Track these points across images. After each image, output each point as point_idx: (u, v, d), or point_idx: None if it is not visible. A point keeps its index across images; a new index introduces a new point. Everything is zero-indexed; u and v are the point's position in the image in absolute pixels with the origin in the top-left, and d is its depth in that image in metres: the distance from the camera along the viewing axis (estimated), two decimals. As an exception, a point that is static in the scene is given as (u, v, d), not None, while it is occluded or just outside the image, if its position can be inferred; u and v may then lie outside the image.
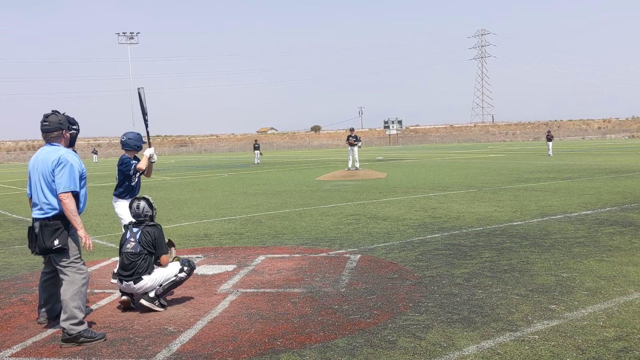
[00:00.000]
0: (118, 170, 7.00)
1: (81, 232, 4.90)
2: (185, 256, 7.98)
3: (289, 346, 4.51)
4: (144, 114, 6.97)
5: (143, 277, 5.56)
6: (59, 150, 4.95)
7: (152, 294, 5.57)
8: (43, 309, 5.33)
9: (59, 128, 5.01)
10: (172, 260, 5.82)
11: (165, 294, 5.70)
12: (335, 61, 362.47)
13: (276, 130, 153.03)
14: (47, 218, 4.85)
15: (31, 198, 5.05)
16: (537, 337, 4.49)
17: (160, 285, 5.63)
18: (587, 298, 5.44)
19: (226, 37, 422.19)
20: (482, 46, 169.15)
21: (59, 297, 5.12)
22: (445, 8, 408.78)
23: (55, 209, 4.86)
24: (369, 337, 4.62)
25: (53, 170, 4.86)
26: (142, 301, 5.53)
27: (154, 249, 5.64)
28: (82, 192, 5.03)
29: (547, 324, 4.76)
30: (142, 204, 5.85)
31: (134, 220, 5.87)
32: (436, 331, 4.70)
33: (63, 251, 4.86)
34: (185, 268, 5.75)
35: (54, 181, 4.86)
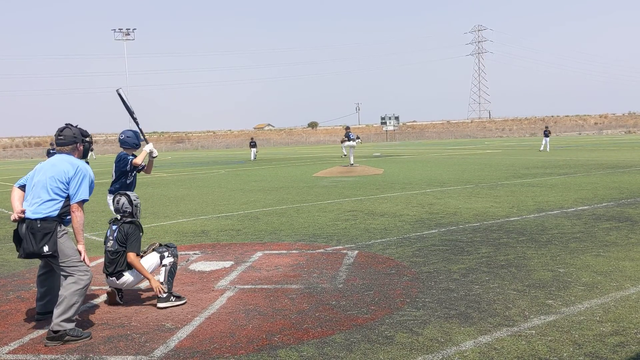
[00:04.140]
0: (115, 166, 7.00)
1: (81, 247, 4.96)
2: (183, 253, 7.98)
3: (286, 342, 4.51)
4: (131, 112, 6.95)
5: (124, 273, 5.60)
6: (76, 161, 5.08)
7: (162, 295, 5.55)
8: (41, 303, 5.34)
9: (74, 141, 5.17)
10: (149, 251, 5.82)
11: (172, 285, 5.66)
12: (332, 57, 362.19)
13: (273, 126, 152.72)
14: (36, 219, 4.82)
15: (22, 189, 5.08)
16: (534, 332, 4.50)
17: (161, 282, 5.60)
18: (584, 293, 5.46)
19: (223, 33, 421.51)
20: (479, 42, 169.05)
21: (56, 291, 5.16)
22: (441, 4, 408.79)
23: (49, 213, 4.86)
24: (366, 333, 4.63)
25: (69, 180, 4.93)
26: (159, 305, 5.52)
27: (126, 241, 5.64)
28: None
29: (544, 319, 4.77)
30: (123, 199, 5.85)
31: (116, 217, 5.89)
32: (433, 326, 4.71)
33: (54, 257, 4.88)
34: (167, 254, 5.70)
35: (59, 188, 4.91)
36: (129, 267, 5.61)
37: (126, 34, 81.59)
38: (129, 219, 5.77)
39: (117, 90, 6.90)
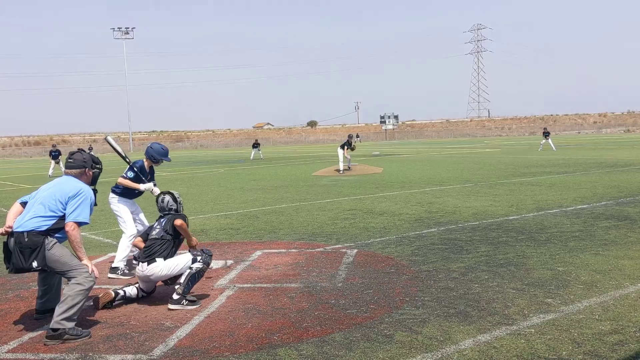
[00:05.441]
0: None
1: (85, 262, 4.97)
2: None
3: (286, 341, 4.52)
4: (124, 158, 7.11)
5: (157, 259, 5.64)
6: (80, 184, 5.13)
7: (175, 296, 5.51)
8: (41, 301, 5.34)
9: (82, 166, 5.25)
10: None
11: (189, 290, 5.62)
12: (332, 56, 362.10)
13: (272, 125, 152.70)
14: (23, 232, 4.80)
15: (23, 206, 5.10)
16: (533, 330, 4.51)
17: (180, 283, 5.58)
18: (583, 292, 5.46)
19: (222, 32, 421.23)
20: (478, 41, 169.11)
21: (56, 290, 5.19)
22: (441, 3, 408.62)
23: (36, 227, 4.85)
24: (365, 332, 4.64)
25: (68, 199, 4.94)
26: (170, 307, 5.48)
27: (173, 232, 5.77)
28: None
29: (543, 318, 4.78)
30: (167, 198, 6.07)
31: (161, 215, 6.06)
32: (433, 325, 4.72)
33: (44, 271, 4.89)
34: (199, 258, 5.69)
35: (56, 206, 4.92)
36: (163, 256, 5.66)
37: (125, 33, 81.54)
38: (177, 214, 5.96)
39: (105, 138, 7.17)
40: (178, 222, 5.75)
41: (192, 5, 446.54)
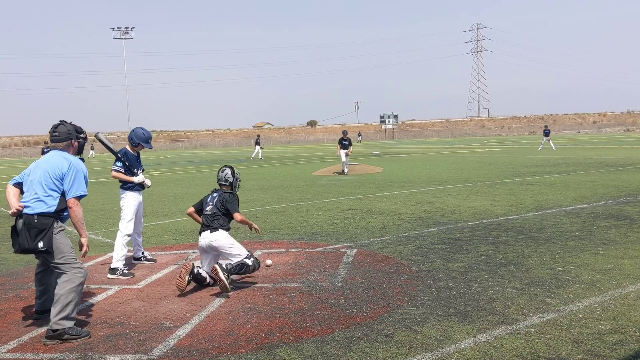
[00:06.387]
0: None
1: (84, 240, 5.00)
2: (182, 251, 7.97)
3: (285, 340, 4.52)
4: (114, 153, 7.13)
5: (219, 229, 6.09)
6: (69, 157, 5.11)
7: (224, 265, 5.89)
8: (39, 301, 5.34)
9: (68, 138, 5.21)
10: None
11: (233, 273, 5.92)
12: (331, 56, 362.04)
13: (272, 125, 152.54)
14: (33, 215, 4.83)
15: (17, 187, 5.10)
16: (533, 330, 4.51)
17: (231, 263, 5.97)
18: (583, 291, 5.46)
19: (221, 32, 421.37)
20: (478, 40, 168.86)
21: (54, 289, 5.17)
22: (440, 2, 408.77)
23: (46, 209, 4.86)
24: (365, 331, 4.63)
25: (63, 176, 4.95)
26: (217, 267, 5.75)
27: (226, 210, 6.20)
28: None
29: (543, 317, 4.78)
30: (227, 170, 6.54)
31: (217, 187, 6.55)
32: (432, 325, 4.71)
33: (49, 253, 4.88)
34: (252, 259, 6.05)
35: (54, 184, 4.92)
36: (224, 228, 6.14)
37: (125, 33, 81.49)
38: (230, 192, 6.38)
39: (96, 135, 7.14)
40: (237, 216, 6.17)
41: (192, 4, 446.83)
